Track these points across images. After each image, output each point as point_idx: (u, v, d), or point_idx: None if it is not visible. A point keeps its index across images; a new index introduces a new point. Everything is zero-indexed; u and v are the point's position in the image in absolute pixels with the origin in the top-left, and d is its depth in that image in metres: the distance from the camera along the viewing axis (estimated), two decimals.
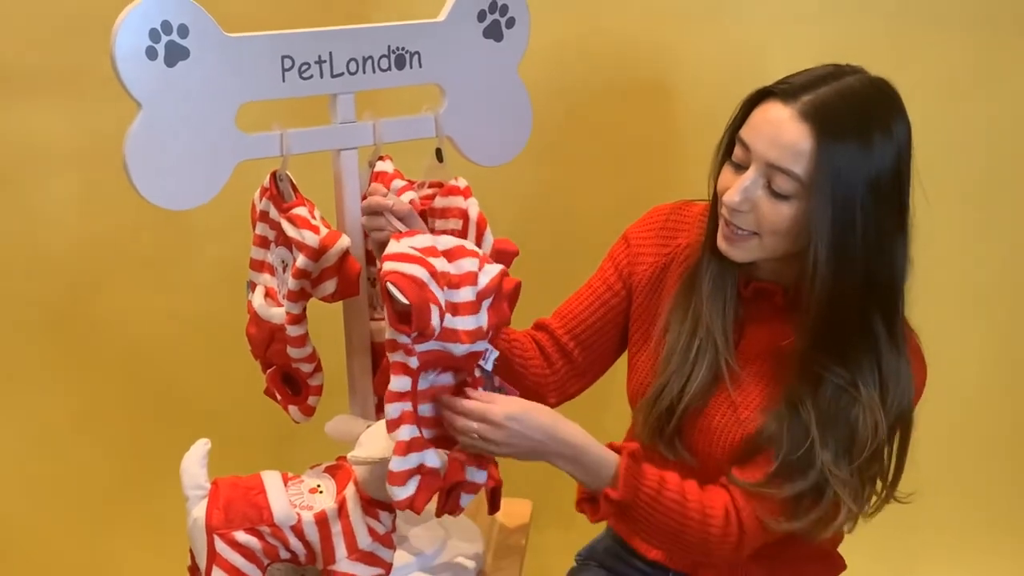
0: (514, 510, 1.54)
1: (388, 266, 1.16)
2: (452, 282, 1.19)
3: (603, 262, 1.43)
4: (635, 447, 1.23)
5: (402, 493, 1.18)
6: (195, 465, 1.25)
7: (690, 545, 1.25)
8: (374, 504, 1.25)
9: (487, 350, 1.22)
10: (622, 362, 1.44)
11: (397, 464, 1.18)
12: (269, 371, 1.41)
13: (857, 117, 1.19)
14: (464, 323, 1.18)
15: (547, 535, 1.86)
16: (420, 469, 1.20)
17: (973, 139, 1.92)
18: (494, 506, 1.30)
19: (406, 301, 1.13)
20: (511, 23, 1.43)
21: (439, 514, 1.24)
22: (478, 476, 1.23)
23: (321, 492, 1.27)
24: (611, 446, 1.24)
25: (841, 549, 1.44)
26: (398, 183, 1.35)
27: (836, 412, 1.22)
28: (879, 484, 1.28)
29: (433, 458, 1.21)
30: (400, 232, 1.24)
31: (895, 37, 1.86)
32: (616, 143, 1.94)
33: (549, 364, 1.41)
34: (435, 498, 1.23)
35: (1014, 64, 1.89)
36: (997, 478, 2.06)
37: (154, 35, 1.21)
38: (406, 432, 1.18)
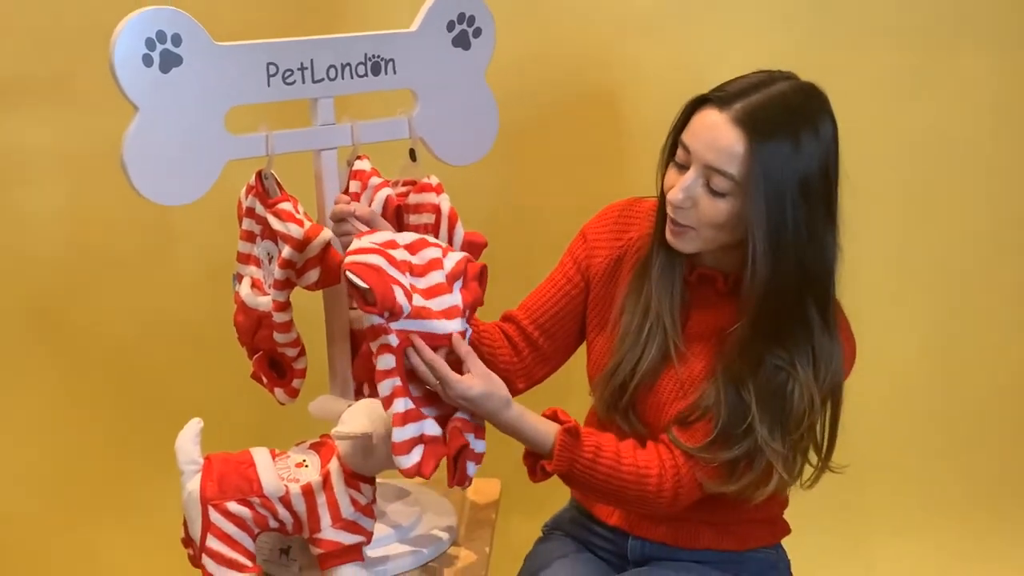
0: (484, 488, 1.63)
1: (347, 259, 1.24)
2: (416, 270, 1.27)
3: (563, 257, 1.51)
4: (572, 424, 1.32)
5: (407, 461, 1.26)
6: (189, 442, 1.31)
7: (630, 502, 1.36)
8: (356, 477, 1.32)
9: (467, 329, 1.31)
10: (583, 352, 1.51)
11: (397, 435, 1.26)
12: (256, 357, 1.47)
13: (786, 120, 1.27)
14: (439, 303, 1.27)
15: (514, 512, 1.93)
16: (422, 438, 1.27)
17: (905, 140, 2.02)
18: (468, 479, 1.34)
19: (365, 285, 1.21)
20: (478, 33, 1.51)
21: (451, 485, 1.30)
22: (479, 445, 1.31)
23: (307, 466, 1.34)
24: (555, 418, 1.34)
25: (793, 524, 1.52)
26: (375, 180, 1.43)
27: (774, 390, 1.30)
28: (814, 456, 1.37)
29: (433, 427, 1.29)
30: (363, 232, 1.32)
31: (835, 47, 1.95)
32: (575, 145, 2.01)
33: (516, 352, 1.48)
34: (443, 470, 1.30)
35: (942, 73, 1.99)
36: (933, 455, 2.16)
37: (150, 43, 1.28)
38: (400, 405, 1.26)
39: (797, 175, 1.26)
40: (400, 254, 1.27)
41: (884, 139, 1.98)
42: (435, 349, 1.28)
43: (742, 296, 1.31)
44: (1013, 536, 2.16)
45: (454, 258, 1.30)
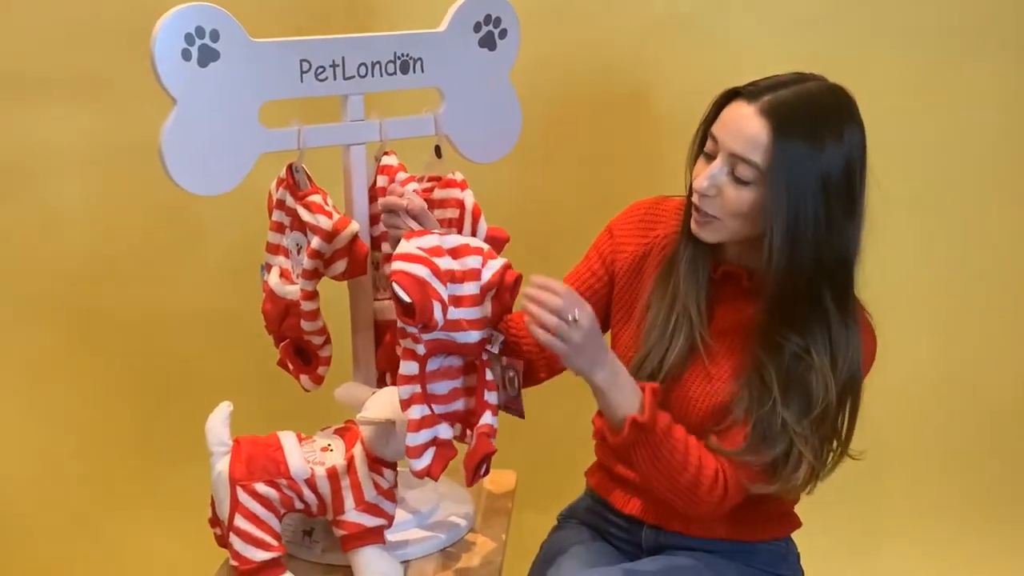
0: (500, 479, 1.66)
1: (395, 266, 1.27)
2: (456, 277, 1.30)
3: (589, 251, 1.54)
4: (656, 385, 1.33)
5: (418, 464, 1.31)
6: (219, 424, 1.35)
7: (680, 490, 1.35)
8: (379, 461, 1.37)
9: (492, 335, 1.34)
10: None
11: (411, 439, 1.30)
12: (283, 344, 1.51)
13: (810, 118, 1.30)
14: (468, 313, 1.30)
15: (528, 507, 1.94)
16: (434, 442, 1.32)
17: (919, 145, 2.05)
18: (485, 470, 1.39)
19: (409, 300, 1.24)
20: (504, 34, 1.54)
21: (469, 485, 1.34)
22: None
23: (331, 451, 1.38)
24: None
25: (802, 519, 1.55)
26: (401, 175, 1.47)
27: (795, 375, 1.33)
28: (835, 444, 1.38)
29: (446, 430, 1.33)
30: (412, 231, 1.34)
31: (852, 53, 1.97)
32: (596, 143, 2.04)
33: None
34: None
35: (955, 78, 2.02)
36: (943, 456, 2.18)
37: (189, 39, 1.32)
38: (417, 411, 1.30)
39: (819, 172, 1.29)
40: (444, 262, 1.29)
41: (898, 144, 1.99)
42: (457, 354, 1.32)
43: (762, 285, 1.34)
44: (1019, 539, 2.18)
45: (492, 268, 1.32)
